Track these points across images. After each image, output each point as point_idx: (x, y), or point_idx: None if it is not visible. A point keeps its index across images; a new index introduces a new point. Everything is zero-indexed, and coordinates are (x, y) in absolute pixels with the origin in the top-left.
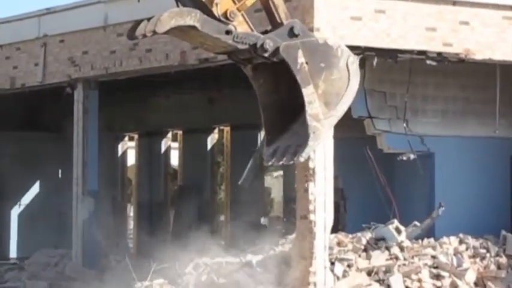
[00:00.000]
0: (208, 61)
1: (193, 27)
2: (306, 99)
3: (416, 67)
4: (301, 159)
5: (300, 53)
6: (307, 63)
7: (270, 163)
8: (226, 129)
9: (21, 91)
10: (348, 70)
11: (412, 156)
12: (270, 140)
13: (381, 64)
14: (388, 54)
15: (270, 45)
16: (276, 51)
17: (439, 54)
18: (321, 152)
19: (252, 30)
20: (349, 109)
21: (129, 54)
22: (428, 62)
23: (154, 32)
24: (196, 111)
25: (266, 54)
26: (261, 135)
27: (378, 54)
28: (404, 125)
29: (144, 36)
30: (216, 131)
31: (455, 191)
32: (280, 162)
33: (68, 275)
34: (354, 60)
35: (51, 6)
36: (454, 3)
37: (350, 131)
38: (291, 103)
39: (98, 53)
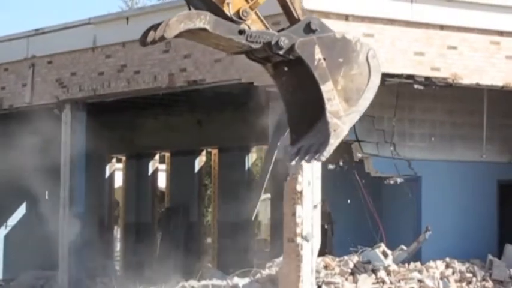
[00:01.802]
0: (197, 83)
1: (205, 30)
2: (325, 96)
3: (404, 91)
4: (323, 158)
5: (317, 49)
6: (324, 59)
7: (293, 162)
8: (214, 151)
9: (8, 112)
10: (368, 64)
11: (399, 180)
12: (294, 139)
13: None
14: None
15: (285, 42)
16: (292, 48)
17: (427, 78)
18: (308, 176)
19: (266, 28)
20: None
21: (117, 76)
22: (416, 86)
23: (163, 38)
24: (184, 134)
25: (281, 52)
26: (249, 157)
27: None
28: (392, 148)
29: (155, 42)
30: (204, 153)
31: (442, 215)
32: (303, 161)
33: None
34: (374, 54)
35: (40, 27)
36: (442, 28)
37: (338, 155)
38: (314, 100)
39: (86, 75)
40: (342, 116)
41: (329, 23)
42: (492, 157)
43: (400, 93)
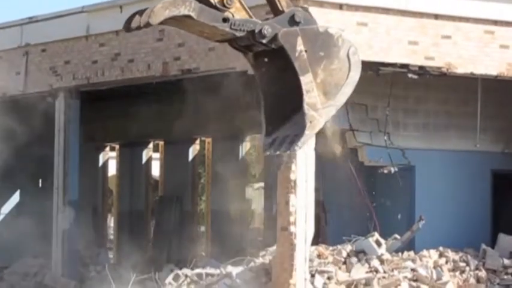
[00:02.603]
0: (191, 72)
1: (189, 17)
2: (304, 87)
3: (398, 80)
4: (297, 149)
5: (299, 40)
6: (306, 51)
7: (268, 153)
8: (208, 140)
9: (2, 100)
10: (349, 61)
11: (392, 170)
12: (269, 131)
13: (362, 77)
14: (370, 67)
15: (268, 31)
16: (275, 37)
17: (421, 67)
18: (302, 164)
19: (250, 16)
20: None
21: (111, 64)
22: (410, 75)
23: (149, 24)
24: (178, 122)
25: (264, 41)
26: (243, 146)
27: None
28: (386, 138)
29: (139, 28)
30: (198, 142)
31: (435, 204)
32: (277, 152)
33: (47, 285)
34: (355, 51)
35: (34, 15)
36: (436, 17)
37: (331, 144)
38: (291, 94)
39: (80, 63)
40: (319, 109)
41: (323, 12)
42: (486, 147)
43: (394, 83)
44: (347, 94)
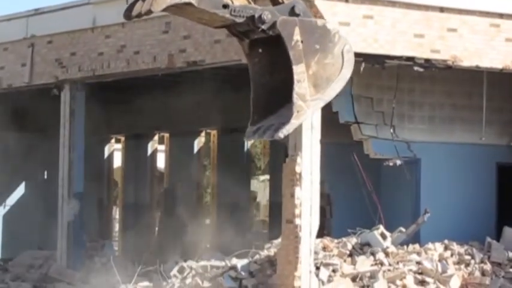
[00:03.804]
0: (196, 64)
1: (190, 4)
2: (296, 77)
3: (404, 73)
4: (281, 135)
5: (297, 30)
6: (302, 41)
7: (251, 139)
8: (213, 132)
9: (7, 91)
10: (343, 58)
11: (398, 162)
12: (255, 120)
13: (368, 70)
14: (376, 60)
15: (268, 17)
16: (274, 25)
17: (427, 60)
18: (307, 157)
19: (249, 2)
20: (336, 114)
21: (116, 56)
22: (415, 68)
23: (150, 11)
24: (183, 114)
25: (264, 27)
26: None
27: (366, 60)
28: (391, 130)
29: (140, 15)
30: (203, 134)
31: (441, 197)
32: (261, 138)
33: (52, 276)
34: (350, 49)
35: (40, 6)
36: (442, 10)
37: (337, 137)
38: (281, 87)
39: (86, 55)
40: (308, 100)
41: (329, 4)
42: (491, 140)
43: (400, 76)
44: (336, 90)
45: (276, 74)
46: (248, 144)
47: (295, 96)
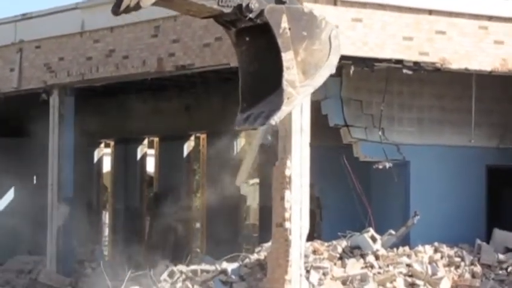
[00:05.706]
0: (185, 68)
1: None
2: (285, 64)
3: (393, 76)
4: (273, 122)
5: (284, 17)
6: (289, 29)
7: (241, 127)
8: (203, 136)
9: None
10: (330, 43)
11: (387, 165)
12: (244, 108)
13: (357, 72)
14: (365, 63)
15: (255, 5)
16: (261, 13)
17: (416, 63)
18: (297, 160)
19: None
20: (326, 117)
21: (105, 60)
22: (404, 71)
23: (139, 6)
24: (172, 118)
25: (251, 15)
26: (238, 142)
27: (355, 63)
28: (380, 133)
29: (128, 10)
30: (193, 138)
31: (430, 199)
32: (252, 126)
33: (42, 282)
34: (337, 35)
35: (28, 11)
36: (431, 13)
37: (326, 140)
38: (269, 74)
39: (74, 59)
40: (297, 87)
41: (318, 7)
42: (480, 142)
43: (389, 78)
44: (325, 76)
45: (263, 61)
46: (238, 147)
47: (284, 83)
